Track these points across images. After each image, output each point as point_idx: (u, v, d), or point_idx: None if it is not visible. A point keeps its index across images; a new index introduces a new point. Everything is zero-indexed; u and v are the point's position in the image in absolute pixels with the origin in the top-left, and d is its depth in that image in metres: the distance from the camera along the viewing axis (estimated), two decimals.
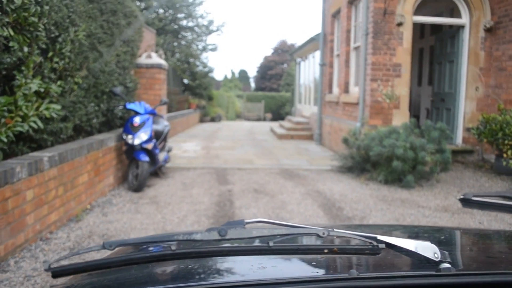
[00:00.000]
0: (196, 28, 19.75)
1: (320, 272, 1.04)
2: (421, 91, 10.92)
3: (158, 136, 6.27)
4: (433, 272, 0.86)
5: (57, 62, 4.39)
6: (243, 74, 43.54)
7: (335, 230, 0.93)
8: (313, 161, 8.30)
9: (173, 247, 0.87)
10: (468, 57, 7.79)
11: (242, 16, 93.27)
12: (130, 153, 5.77)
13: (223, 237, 0.85)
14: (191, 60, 17.62)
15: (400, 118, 7.46)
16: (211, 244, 0.95)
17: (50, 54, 4.30)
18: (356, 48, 8.85)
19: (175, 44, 18.45)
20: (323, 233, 0.89)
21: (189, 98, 16.69)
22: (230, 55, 76.89)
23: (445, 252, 0.93)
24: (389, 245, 0.95)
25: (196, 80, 17.45)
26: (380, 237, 0.93)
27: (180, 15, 19.18)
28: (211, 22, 20.33)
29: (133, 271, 0.98)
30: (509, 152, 6.28)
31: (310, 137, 12.02)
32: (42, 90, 4.03)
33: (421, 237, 1.16)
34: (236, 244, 0.98)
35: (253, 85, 41.97)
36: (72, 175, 4.43)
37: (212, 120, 18.88)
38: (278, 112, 27.46)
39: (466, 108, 7.92)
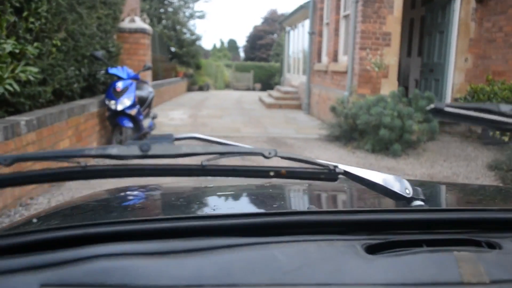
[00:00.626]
0: None
1: (269, 205, 0.92)
2: (410, 62, 10.82)
3: (143, 103, 6.12)
4: (402, 208, 0.75)
5: (32, 22, 4.20)
6: (232, 44, 42.94)
7: (287, 153, 0.76)
8: (300, 130, 8.25)
9: (84, 164, 0.68)
10: (458, 28, 7.68)
11: None
12: (113, 119, 5.64)
13: (145, 153, 0.68)
14: (178, 27, 17.23)
15: (389, 87, 7.39)
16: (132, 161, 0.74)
17: (25, 13, 4.10)
18: (346, 17, 8.67)
19: (162, 10, 17.97)
20: (269, 153, 0.72)
21: (176, 66, 16.40)
22: (219, 24, 75.61)
23: (418, 188, 0.79)
24: (353, 176, 0.79)
25: (183, 48, 17.11)
26: (341, 166, 0.78)
27: None
28: None
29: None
30: None
31: (299, 106, 11.93)
32: (17, 51, 3.85)
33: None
34: (161, 162, 0.76)
35: (242, 55, 41.45)
36: (52, 140, 4.31)
37: (200, 89, 18.64)
38: (267, 83, 27.21)
39: (454, 79, 7.87)
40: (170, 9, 18.66)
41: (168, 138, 0.75)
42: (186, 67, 17.48)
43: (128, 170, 0.70)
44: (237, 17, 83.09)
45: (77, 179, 0.73)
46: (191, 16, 19.48)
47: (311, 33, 10.87)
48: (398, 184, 0.77)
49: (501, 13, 7.22)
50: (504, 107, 0.66)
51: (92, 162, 4.26)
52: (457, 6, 7.63)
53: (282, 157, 0.71)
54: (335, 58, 9.19)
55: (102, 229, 0.62)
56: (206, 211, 0.82)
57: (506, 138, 5.83)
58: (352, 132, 6.63)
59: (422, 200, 0.77)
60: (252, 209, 0.95)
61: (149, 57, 7.80)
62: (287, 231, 0.65)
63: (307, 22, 12.04)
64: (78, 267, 0.54)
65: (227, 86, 27.58)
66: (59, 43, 4.76)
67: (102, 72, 5.86)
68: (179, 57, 17.14)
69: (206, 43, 68.46)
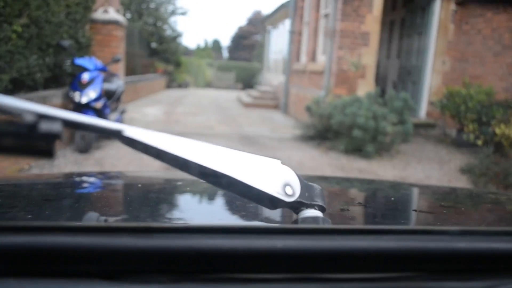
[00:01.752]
0: None
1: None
2: (389, 64, 10.79)
3: (111, 96, 5.89)
4: (265, 225, 0.36)
5: None
6: (217, 44, 42.72)
7: None
8: (276, 129, 8.11)
9: None
10: (437, 29, 7.65)
11: None
12: (77, 112, 5.40)
13: None
14: (159, 23, 16.95)
15: (366, 88, 7.30)
16: None
17: None
18: (326, 16, 8.58)
19: (144, 6, 17.66)
20: None
21: (155, 62, 16.11)
22: (204, 24, 75.25)
23: (315, 186, 0.41)
24: (127, 141, 0.38)
25: (163, 44, 16.84)
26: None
27: None
28: None
29: None
30: (470, 126, 6.23)
31: (276, 106, 11.80)
32: None
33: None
34: None
35: (226, 55, 41.25)
36: None
37: (180, 86, 18.38)
38: (249, 82, 27.03)
39: (432, 82, 7.84)
40: (152, 6, 18.36)
41: None
42: (166, 64, 17.20)
43: None
44: (223, 17, 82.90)
45: None
46: (173, 13, 19.21)
47: (291, 32, 10.76)
48: (269, 172, 0.39)
49: (480, 15, 7.20)
50: None
51: None
52: (437, 7, 7.59)
53: None
54: (313, 58, 9.08)
55: None
56: None
57: (480, 142, 5.78)
58: (326, 132, 6.51)
59: (319, 207, 0.40)
60: None
61: (122, 49, 7.55)
62: None
63: (288, 21, 11.92)
64: None
65: (209, 85, 27.32)
66: (20, 29, 4.51)
67: (68, 62, 5.62)
68: (159, 54, 16.86)
69: (191, 43, 68.10)
